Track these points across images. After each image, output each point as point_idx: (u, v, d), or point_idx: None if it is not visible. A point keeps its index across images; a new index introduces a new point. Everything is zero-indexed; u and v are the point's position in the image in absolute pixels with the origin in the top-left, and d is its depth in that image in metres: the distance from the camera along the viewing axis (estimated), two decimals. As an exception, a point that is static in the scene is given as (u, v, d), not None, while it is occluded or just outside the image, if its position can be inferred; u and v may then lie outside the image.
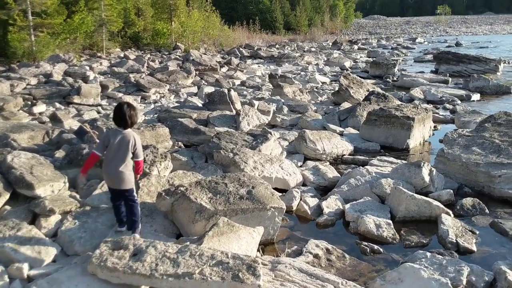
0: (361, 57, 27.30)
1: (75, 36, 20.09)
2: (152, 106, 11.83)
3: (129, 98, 11.84)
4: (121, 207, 4.20)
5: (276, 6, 48.34)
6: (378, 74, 18.47)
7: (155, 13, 27.64)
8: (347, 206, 5.28)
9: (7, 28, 16.46)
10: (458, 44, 35.22)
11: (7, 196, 4.70)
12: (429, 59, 24.08)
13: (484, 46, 33.78)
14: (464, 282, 3.69)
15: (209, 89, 13.01)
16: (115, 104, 10.12)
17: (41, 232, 4.20)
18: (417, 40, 42.10)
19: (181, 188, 4.57)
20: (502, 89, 14.35)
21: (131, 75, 14.78)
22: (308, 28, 50.10)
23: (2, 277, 3.47)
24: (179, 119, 8.57)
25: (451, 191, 5.74)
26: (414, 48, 34.03)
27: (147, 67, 17.95)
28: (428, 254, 4.10)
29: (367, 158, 7.35)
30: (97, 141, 5.61)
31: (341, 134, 8.56)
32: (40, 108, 10.31)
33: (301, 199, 5.62)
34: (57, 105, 10.85)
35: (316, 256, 4.23)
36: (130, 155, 4.05)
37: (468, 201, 5.51)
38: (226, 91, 10.78)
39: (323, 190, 6.17)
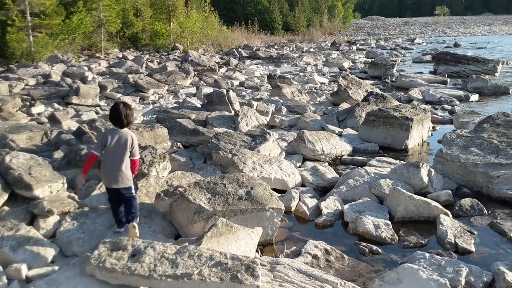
0: (359, 57, 27.32)
1: (74, 37, 20.08)
2: (151, 106, 11.82)
3: (127, 99, 11.83)
4: (119, 208, 4.20)
5: (275, 7, 48.36)
6: (377, 75, 18.49)
7: (154, 14, 27.63)
8: (346, 206, 5.28)
9: (5, 28, 16.43)
10: (456, 45, 35.29)
11: (5, 197, 4.69)
12: (427, 60, 24.11)
13: (483, 46, 33.85)
14: (463, 282, 3.69)
15: (207, 90, 13.00)
16: (113, 104, 10.10)
17: (40, 233, 4.19)
18: (415, 41, 42.16)
19: (180, 189, 4.57)
20: (501, 89, 14.37)
21: (129, 76, 14.78)
22: (307, 29, 50.15)
23: (1, 278, 3.47)
24: (178, 119, 8.57)
25: (450, 191, 5.75)
26: (413, 49, 34.09)
27: (145, 67, 17.94)
28: (427, 254, 4.09)
29: (365, 158, 7.35)
30: (96, 141, 5.61)
31: (340, 134, 8.56)
32: (38, 108, 10.30)
33: (300, 200, 5.62)
34: (56, 105, 10.83)
35: (315, 256, 4.23)
36: (129, 154, 4.09)
37: (466, 202, 5.52)
38: (224, 91, 10.78)
39: (322, 190, 6.16)
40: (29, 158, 5.29)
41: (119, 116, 4.02)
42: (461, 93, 13.80)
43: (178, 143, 7.71)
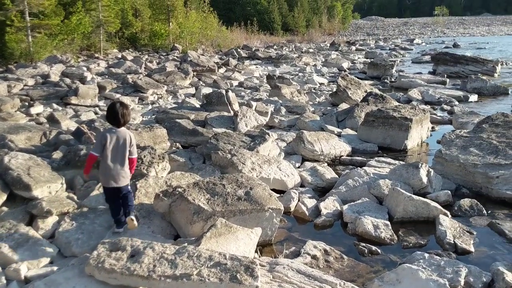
0: (359, 58, 27.35)
1: (73, 37, 20.07)
2: (150, 107, 11.81)
3: (126, 99, 11.82)
4: (118, 207, 4.21)
5: (274, 7, 48.39)
6: (376, 75, 18.51)
7: (153, 14, 27.64)
8: (345, 207, 5.28)
9: (4, 29, 16.42)
10: (455, 45, 35.33)
11: (4, 197, 4.68)
12: (426, 60, 24.14)
13: (482, 47, 33.89)
14: (462, 283, 3.69)
15: (207, 90, 13.00)
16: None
17: (39, 233, 4.18)
18: (414, 41, 42.23)
19: (179, 189, 4.56)
20: (500, 90, 14.40)
21: (128, 76, 14.76)
22: (306, 29, 50.20)
23: (0, 279, 3.47)
24: (177, 120, 8.56)
25: (449, 192, 5.75)
26: (412, 49, 34.15)
27: (144, 68, 17.93)
28: (426, 255, 4.09)
29: (365, 159, 7.35)
30: (94, 142, 5.61)
31: (339, 135, 8.57)
32: (37, 109, 10.28)
33: (299, 200, 5.61)
34: (55, 106, 10.82)
35: (314, 257, 4.22)
36: (128, 152, 4.15)
37: (466, 202, 5.52)
38: (224, 92, 10.78)
39: (321, 191, 6.16)
40: (28, 158, 5.28)
41: (116, 115, 4.07)
42: (460, 93, 13.82)
43: (177, 144, 7.71)
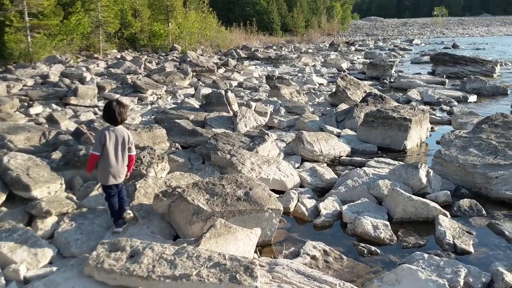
0: (358, 58, 27.36)
1: (72, 37, 20.08)
2: (149, 107, 11.80)
3: (126, 99, 11.81)
4: (117, 205, 4.25)
5: (273, 8, 48.42)
6: (375, 76, 18.52)
7: (152, 14, 27.66)
8: (345, 207, 5.28)
9: (3, 29, 16.42)
10: (455, 46, 35.38)
11: (3, 197, 4.68)
12: (426, 61, 24.17)
13: (481, 47, 33.92)
14: (462, 283, 3.69)
15: (206, 91, 13.00)
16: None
17: (38, 233, 4.18)
18: (414, 42, 42.29)
19: (178, 190, 4.56)
20: (499, 90, 14.41)
21: (128, 76, 14.76)
22: (305, 30, 50.22)
23: (-2, 279, 3.46)
24: (176, 120, 8.56)
25: (448, 192, 5.75)
26: (411, 50, 34.19)
27: (144, 68, 17.93)
28: (426, 255, 4.09)
29: (364, 159, 7.35)
30: (93, 142, 5.61)
31: (339, 135, 8.57)
32: (36, 109, 10.27)
33: (298, 201, 5.61)
34: (54, 106, 10.81)
35: (313, 257, 4.22)
36: (127, 150, 4.22)
37: (465, 202, 5.52)
38: (223, 92, 10.77)
39: (321, 191, 6.16)
40: (27, 158, 5.28)
41: (113, 114, 4.12)
42: (459, 94, 13.83)
43: (177, 144, 7.70)
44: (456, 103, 12.41)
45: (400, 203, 5.13)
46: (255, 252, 4.23)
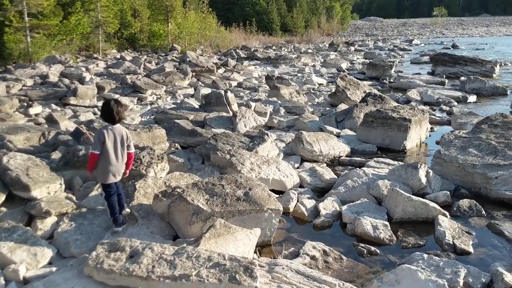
0: (357, 58, 27.37)
1: (71, 38, 20.08)
2: (149, 107, 11.80)
3: (125, 100, 11.80)
4: (116, 204, 4.27)
5: (273, 8, 48.42)
6: (375, 76, 18.53)
7: (152, 15, 27.66)
8: (344, 207, 5.28)
9: (3, 29, 16.41)
10: (454, 46, 35.37)
11: (2, 197, 4.68)
12: (425, 61, 24.17)
13: (480, 48, 33.94)
14: (461, 283, 3.69)
15: (205, 91, 13.00)
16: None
17: (37, 234, 4.18)
18: (413, 42, 42.30)
19: (178, 190, 4.56)
20: (498, 90, 14.42)
21: (127, 77, 14.76)
22: (305, 30, 50.24)
23: (-2, 280, 3.46)
24: (176, 120, 8.55)
25: (448, 192, 5.76)
26: (411, 50, 34.21)
27: (143, 68, 17.93)
28: (425, 255, 4.09)
29: (364, 159, 7.35)
30: (93, 141, 5.62)
31: (338, 135, 8.57)
32: (36, 109, 10.27)
33: (298, 201, 5.61)
34: (53, 106, 10.81)
35: (313, 257, 4.22)
36: (126, 148, 4.26)
37: (464, 203, 5.52)
38: (222, 92, 10.77)
39: (320, 191, 6.16)
40: (27, 159, 5.27)
41: (111, 112, 4.15)
42: (459, 94, 13.83)
43: (176, 144, 7.70)
44: (455, 103, 12.40)
45: (400, 203, 5.13)
46: (255, 252, 4.23)
